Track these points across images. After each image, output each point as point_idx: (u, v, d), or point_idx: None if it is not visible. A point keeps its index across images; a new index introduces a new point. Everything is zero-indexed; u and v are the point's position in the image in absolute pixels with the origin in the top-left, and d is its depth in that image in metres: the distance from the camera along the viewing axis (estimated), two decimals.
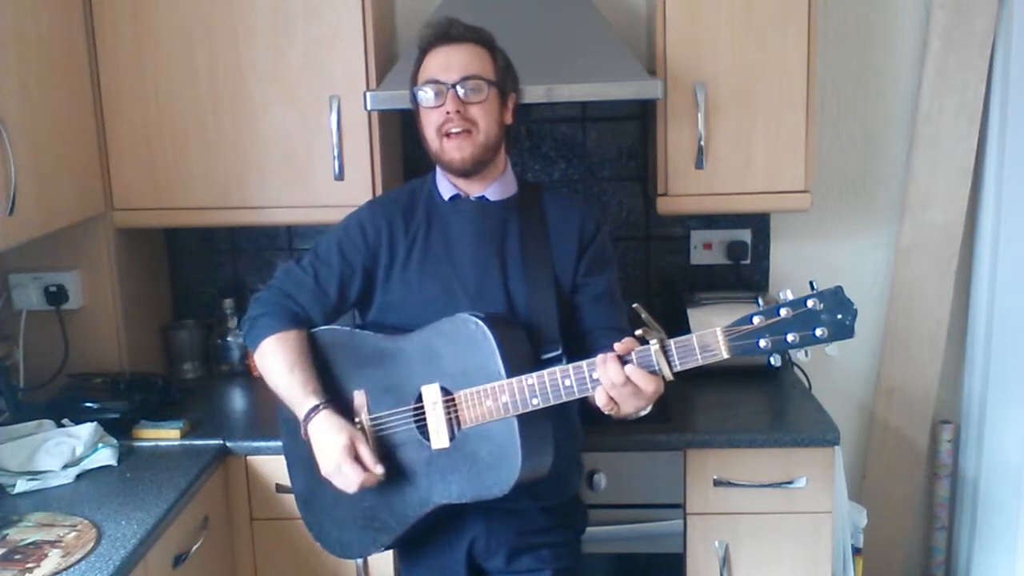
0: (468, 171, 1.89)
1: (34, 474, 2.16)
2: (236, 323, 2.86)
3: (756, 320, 1.53)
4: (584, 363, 1.67)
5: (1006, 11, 2.68)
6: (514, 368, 1.72)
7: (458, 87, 1.83)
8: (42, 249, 2.47)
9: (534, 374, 1.70)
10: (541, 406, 1.70)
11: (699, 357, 1.58)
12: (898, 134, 2.88)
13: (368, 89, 2.46)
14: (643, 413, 1.72)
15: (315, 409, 1.84)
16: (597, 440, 2.21)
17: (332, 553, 2.02)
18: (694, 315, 2.62)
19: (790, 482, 2.31)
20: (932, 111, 2.79)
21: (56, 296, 2.58)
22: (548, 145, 2.90)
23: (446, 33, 1.87)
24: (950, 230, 2.85)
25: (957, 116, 2.78)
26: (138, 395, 2.48)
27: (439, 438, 1.78)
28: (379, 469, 1.79)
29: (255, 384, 2.79)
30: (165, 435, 2.37)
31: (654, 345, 1.59)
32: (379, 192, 2.53)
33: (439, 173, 1.98)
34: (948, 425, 2.98)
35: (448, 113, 1.82)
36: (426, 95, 1.85)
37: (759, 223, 2.89)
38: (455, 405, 1.77)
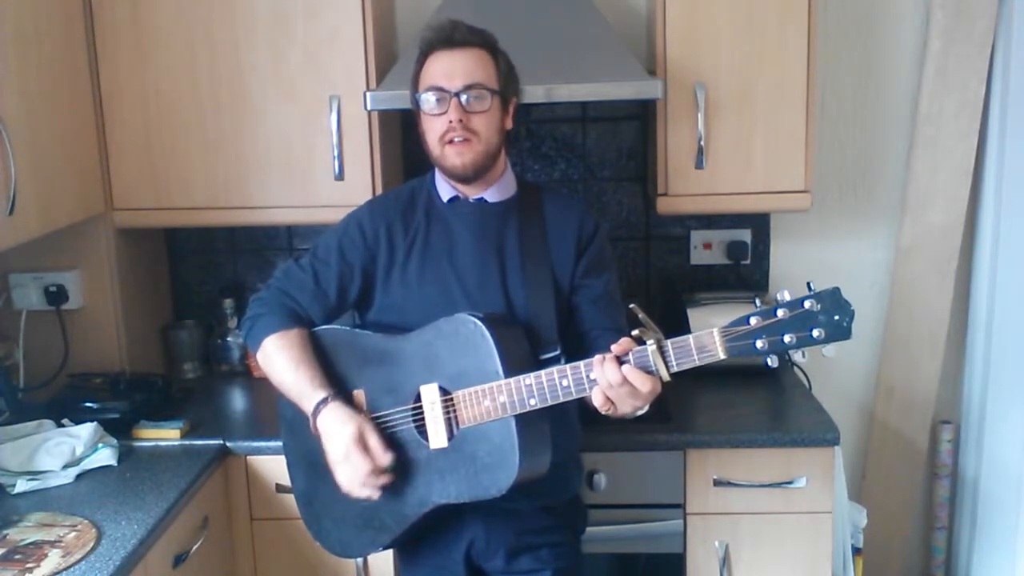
0: (468, 177, 1.89)
1: (34, 474, 2.16)
2: (236, 323, 2.86)
3: (753, 321, 1.53)
4: (582, 363, 1.67)
5: (1006, 11, 2.68)
6: (512, 368, 1.72)
7: (461, 96, 1.82)
8: (42, 249, 2.47)
9: (532, 374, 1.70)
10: (539, 406, 1.70)
11: (696, 358, 1.58)
12: (898, 134, 2.87)
13: (368, 89, 2.46)
14: (640, 413, 1.72)
15: (324, 402, 1.83)
16: (597, 440, 2.21)
17: (332, 552, 2.02)
18: (694, 315, 2.62)
19: (790, 482, 2.31)
20: (932, 111, 2.79)
21: (56, 296, 2.58)
22: (548, 145, 2.90)
23: (449, 37, 1.85)
24: (950, 230, 2.84)
25: (957, 116, 2.78)
26: (138, 395, 2.48)
27: (437, 438, 1.78)
28: (387, 457, 1.78)
29: (255, 384, 2.79)
30: (165, 435, 2.37)
31: (651, 346, 1.59)
32: (379, 192, 2.53)
33: (438, 175, 1.98)
34: (948, 425, 2.98)
35: (451, 122, 1.82)
36: (428, 102, 1.85)
37: (759, 223, 2.89)
38: (453, 405, 1.77)
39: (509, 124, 1.93)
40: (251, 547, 2.38)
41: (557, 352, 1.83)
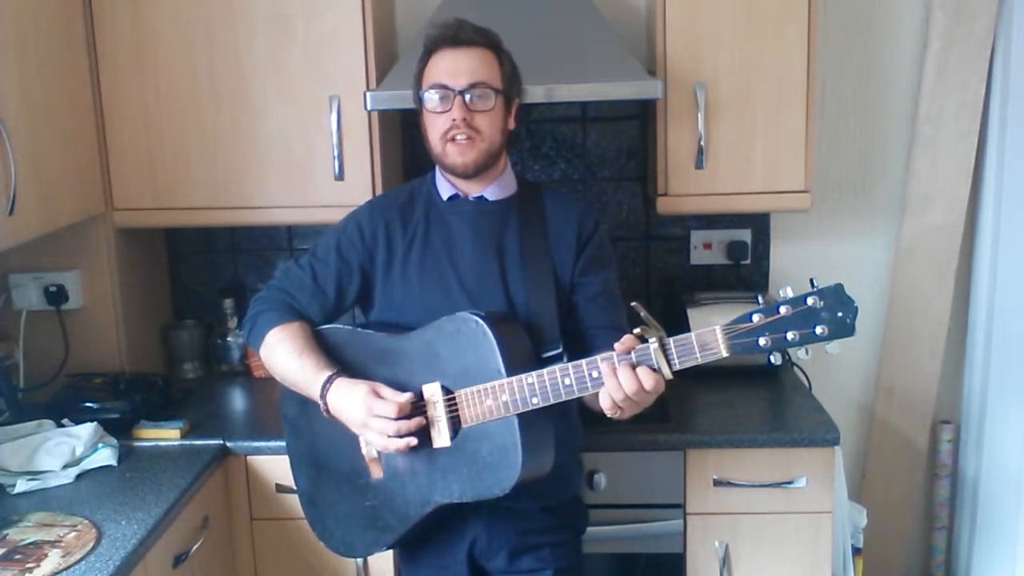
0: (470, 175, 1.89)
1: (34, 474, 2.16)
2: (236, 323, 2.86)
3: (756, 318, 1.52)
4: (584, 362, 1.67)
5: (1006, 11, 2.68)
6: (514, 367, 1.72)
7: (466, 94, 1.82)
8: (42, 249, 2.47)
9: (534, 373, 1.69)
10: (541, 405, 1.69)
11: (698, 355, 1.57)
12: (898, 134, 2.88)
13: (368, 89, 2.46)
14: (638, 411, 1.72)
15: (329, 380, 1.83)
16: (597, 440, 2.21)
17: (335, 552, 2.02)
18: (694, 315, 2.62)
19: (790, 482, 2.31)
20: (932, 111, 2.79)
21: (56, 296, 2.58)
22: (548, 145, 2.90)
23: (455, 36, 1.86)
24: (950, 230, 2.85)
25: (957, 116, 2.78)
26: (138, 395, 2.48)
27: (440, 437, 1.78)
28: (405, 396, 1.76)
29: (255, 384, 2.79)
30: (165, 435, 2.37)
31: (653, 344, 1.59)
32: (379, 192, 2.53)
33: (438, 173, 1.98)
34: (948, 425, 2.98)
35: (454, 120, 1.82)
36: (432, 99, 1.85)
37: (759, 223, 2.89)
38: (456, 404, 1.77)
39: (512, 124, 1.94)
40: (251, 547, 2.38)
41: (559, 350, 1.83)
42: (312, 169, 2.55)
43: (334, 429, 1.87)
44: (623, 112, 2.86)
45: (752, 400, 2.53)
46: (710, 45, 2.46)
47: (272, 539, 2.37)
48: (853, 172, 2.90)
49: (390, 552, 2.25)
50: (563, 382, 1.68)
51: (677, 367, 1.60)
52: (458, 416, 1.77)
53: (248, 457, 2.35)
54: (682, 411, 2.43)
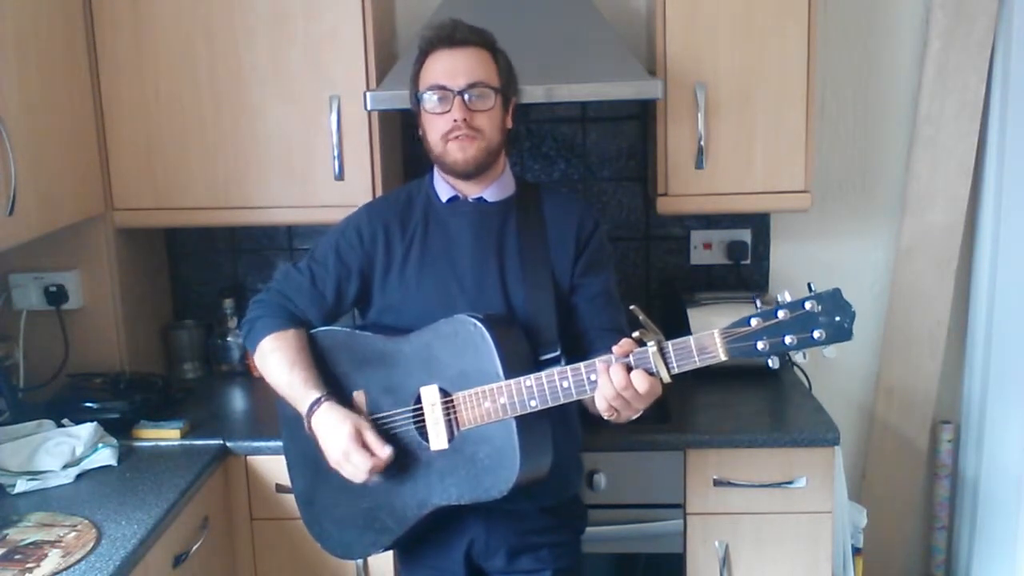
0: (470, 173, 1.89)
1: (34, 474, 2.16)
2: (236, 323, 2.86)
3: (754, 322, 1.52)
4: (582, 365, 1.67)
5: (1006, 11, 2.68)
6: (512, 369, 1.72)
7: (465, 94, 1.82)
8: (42, 249, 2.47)
9: (532, 376, 1.69)
10: (539, 408, 1.70)
11: (696, 359, 1.57)
12: (898, 134, 2.87)
13: (368, 89, 2.46)
14: (635, 415, 1.72)
15: (317, 402, 1.83)
16: (597, 440, 2.21)
17: (332, 554, 2.02)
18: (694, 315, 2.62)
19: (790, 482, 2.31)
20: (932, 111, 2.79)
21: (56, 296, 2.58)
22: (548, 145, 2.90)
23: (450, 36, 1.86)
24: (950, 230, 2.85)
25: (957, 116, 2.78)
26: (138, 395, 2.48)
27: (438, 439, 1.78)
28: (386, 451, 1.78)
29: (255, 384, 2.79)
30: (165, 435, 2.37)
31: (651, 347, 1.59)
32: (379, 192, 2.53)
33: (437, 175, 1.98)
34: (948, 425, 2.98)
35: (455, 121, 1.82)
36: (431, 100, 1.85)
37: (759, 223, 2.89)
38: (454, 406, 1.77)
39: (509, 123, 1.94)
40: (251, 547, 2.39)
41: (557, 353, 1.82)
42: (312, 169, 2.55)
43: None
44: (623, 112, 2.86)
45: (752, 400, 2.53)
46: (710, 45, 2.46)
47: (272, 539, 2.37)
48: (853, 172, 2.90)
49: (390, 552, 2.24)
50: (561, 385, 1.68)
51: (675, 371, 1.60)
52: (456, 418, 1.77)
53: (248, 457, 2.35)
54: (682, 411, 2.43)
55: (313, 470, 1.95)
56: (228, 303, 2.88)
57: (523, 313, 1.88)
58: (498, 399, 1.71)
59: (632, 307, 1.63)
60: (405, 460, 1.83)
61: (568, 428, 1.96)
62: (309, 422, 1.84)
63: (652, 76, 2.44)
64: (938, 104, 2.78)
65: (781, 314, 1.51)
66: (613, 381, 1.61)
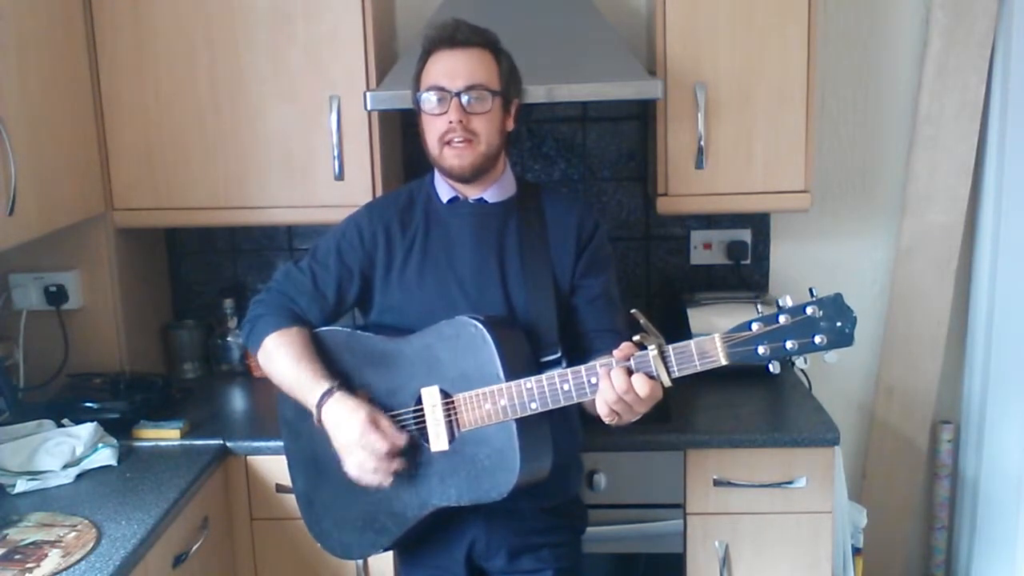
0: (467, 178, 1.89)
1: (34, 474, 2.16)
2: (236, 323, 2.86)
3: (755, 327, 1.52)
4: (583, 368, 1.67)
5: (1006, 11, 2.68)
6: (513, 371, 1.72)
7: (462, 96, 1.82)
8: (42, 249, 2.47)
9: (533, 378, 1.69)
10: (540, 410, 1.70)
11: (697, 363, 1.57)
12: (898, 134, 2.87)
13: (368, 89, 2.46)
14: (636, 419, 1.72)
15: (328, 392, 1.83)
16: (597, 440, 2.21)
17: (332, 554, 2.02)
18: (694, 315, 2.62)
19: (790, 482, 2.31)
20: (932, 111, 2.79)
21: (56, 296, 2.58)
22: (548, 145, 2.90)
23: (452, 37, 1.85)
24: (950, 230, 2.85)
25: (957, 116, 2.78)
26: (138, 395, 2.48)
27: (438, 441, 1.78)
28: (402, 437, 1.78)
29: (255, 384, 2.79)
30: (165, 435, 2.37)
31: (652, 351, 1.59)
32: (379, 192, 2.53)
33: (437, 176, 1.98)
34: (948, 425, 2.98)
35: (451, 123, 1.82)
36: (429, 101, 1.84)
37: (759, 223, 2.89)
38: (454, 408, 1.77)
39: (511, 125, 1.93)
40: (251, 547, 2.39)
41: (558, 355, 1.83)
42: (312, 169, 2.55)
43: None
44: (623, 112, 2.86)
45: (752, 400, 2.53)
46: (710, 45, 2.46)
47: (272, 539, 2.37)
48: (853, 172, 2.90)
49: (390, 553, 2.24)
50: (562, 388, 1.68)
51: (676, 375, 1.60)
52: (456, 420, 1.77)
53: (248, 457, 2.35)
54: (682, 411, 2.43)
55: (314, 471, 1.96)
56: (228, 303, 2.88)
57: (524, 315, 1.88)
58: (499, 401, 1.71)
59: (633, 311, 1.63)
60: (405, 461, 1.82)
61: (569, 428, 1.96)
62: (320, 412, 1.83)
63: (652, 76, 2.44)
64: (938, 104, 2.78)
65: (782, 319, 1.51)
66: (614, 385, 1.61)
